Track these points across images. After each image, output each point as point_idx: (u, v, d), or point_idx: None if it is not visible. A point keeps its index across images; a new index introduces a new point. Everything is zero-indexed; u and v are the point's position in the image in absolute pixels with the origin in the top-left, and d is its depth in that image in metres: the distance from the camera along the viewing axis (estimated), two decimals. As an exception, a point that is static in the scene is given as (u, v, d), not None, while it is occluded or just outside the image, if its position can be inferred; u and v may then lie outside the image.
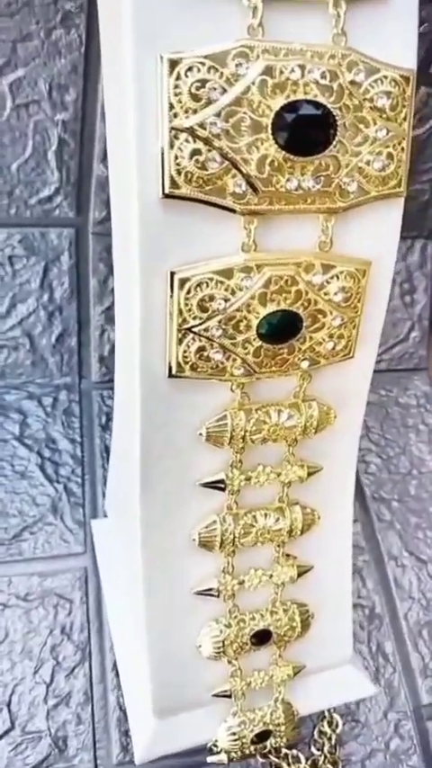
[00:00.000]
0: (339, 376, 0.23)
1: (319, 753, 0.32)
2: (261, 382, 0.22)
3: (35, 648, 0.33)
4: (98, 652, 0.33)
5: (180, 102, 0.17)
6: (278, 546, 0.25)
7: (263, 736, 0.26)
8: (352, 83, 0.18)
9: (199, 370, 0.20)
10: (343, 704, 0.34)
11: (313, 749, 0.33)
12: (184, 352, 0.20)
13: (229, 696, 0.26)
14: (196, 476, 0.23)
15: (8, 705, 0.31)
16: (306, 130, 0.18)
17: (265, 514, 0.24)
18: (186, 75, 0.17)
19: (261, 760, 0.31)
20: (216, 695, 0.26)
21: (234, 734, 0.26)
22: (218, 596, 0.25)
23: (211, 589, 0.24)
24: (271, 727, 0.26)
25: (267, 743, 0.27)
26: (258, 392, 0.22)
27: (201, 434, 0.22)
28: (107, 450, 0.39)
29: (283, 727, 0.27)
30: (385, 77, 0.19)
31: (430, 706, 0.35)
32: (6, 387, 0.41)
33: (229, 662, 0.26)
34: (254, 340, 0.20)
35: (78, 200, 0.35)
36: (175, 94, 0.17)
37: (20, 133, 0.31)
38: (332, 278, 0.20)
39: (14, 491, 0.37)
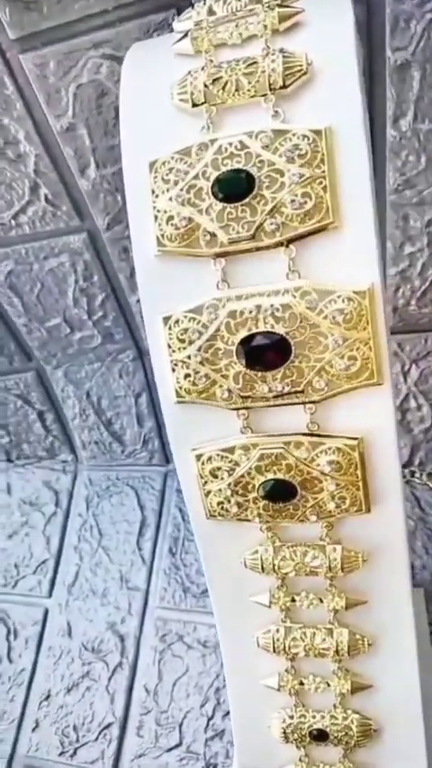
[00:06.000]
0: (364, 527, 0.26)
1: None
2: (292, 524, 0.27)
3: (204, 687, 0.42)
4: (250, 703, 0.40)
5: (174, 343, 0.24)
6: (335, 662, 0.29)
7: None
8: (307, 308, 0.22)
9: (225, 516, 0.27)
10: None
11: None
12: (210, 503, 0.26)
13: (295, 778, 0.30)
14: (250, 592, 0.29)
15: (180, 726, 0.41)
16: (261, 355, 0.23)
17: (314, 633, 0.28)
18: (175, 326, 0.24)
19: None
20: (283, 773, 0.30)
21: None
22: (279, 691, 0.30)
23: (275, 684, 0.30)
24: None
25: None
26: (289, 533, 0.27)
27: (241, 562, 0.28)
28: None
29: None
30: (339, 297, 0.22)
31: None
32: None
33: (297, 747, 0.30)
34: (261, 498, 0.25)
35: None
36: (170, 338, 0.24)
37: None
38: (321, 452, 0.24)
39: (214, 553, 0.47)
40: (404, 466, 0.45)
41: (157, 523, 0.50)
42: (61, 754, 0.43)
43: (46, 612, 0.48)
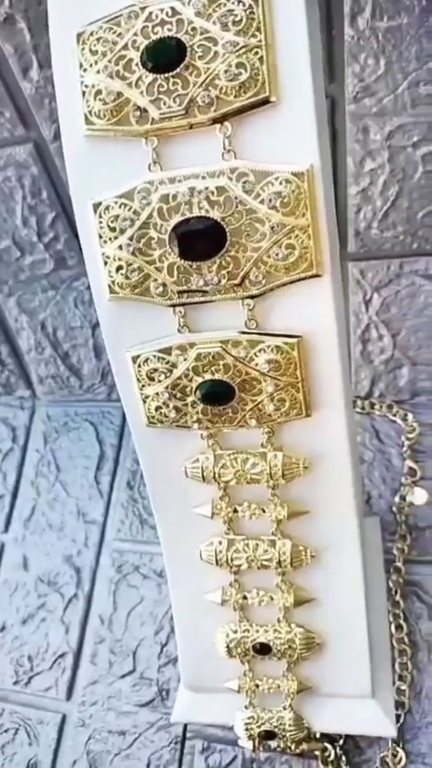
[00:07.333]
0: (305, 433, 0.25)
1: (378, 780, 0.34)
2: (234, 432, 0.26)
3: (159, 615, 0.41)
4: (204, 630, 0.40)
5: (105, 232, 0.23)
6: (279, 574, 0.28)
7: (269, 735, 0.30)
8: (244, 192, 0.21)
9: (164, 422, 0.26)
10: (416, 744, 0.34)
11: (374, 775, 0.34)
12: (149, 409, 0.25)
13: (238, 691, 0.30)
14: (193, 504, 0.28)
15: (134, 653, 0.41)
16: (195, 242, 0.22)
17: (257, 544, 0.28)
18: (106, 213, 0.22)
19: (322, 766, 0.34)
20: (227, 687, 0.30)
21: (245, 725, 0.30)
22: (223, 605, 0.29)
23: (218, 599, 0.29)
24: (276, 730, 0.30)
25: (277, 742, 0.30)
26: (230, 440, 0.26)
27: (182, 471, 0.27)
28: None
29: (289, 734, 0.30)
30: (276, 179, 0.21)
31: None
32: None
33: (241, 662, 0.30)
34: (199, 401, 0.25)
35: None
36: (100, 227, 0.23)
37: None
38: (259, 351, 0.23)
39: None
40: (364, 398, 0.45)
41: (115, 458, 0.49)
42: (16, 683, 0.42)
43: (2, 547, 0.48)
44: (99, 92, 0.21)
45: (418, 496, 0.40)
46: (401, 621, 0.37)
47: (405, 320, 0.42)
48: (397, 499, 0.41)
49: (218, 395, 0.24)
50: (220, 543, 0.28)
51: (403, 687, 0.35)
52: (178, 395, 0.25)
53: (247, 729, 0.30)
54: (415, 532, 0.39)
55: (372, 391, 0.45)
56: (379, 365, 0.44)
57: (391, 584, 0.38)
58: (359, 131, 0.34)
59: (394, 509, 0.40)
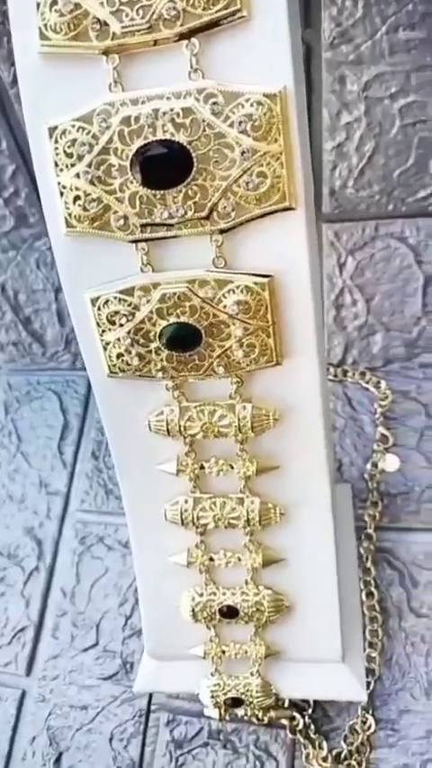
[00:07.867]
0: (275, 382, 0.24)
1: (347, 748, 0.33)
2: (201, 383, 0.24)
3: (124, 587, 0.40)
4: (171, 602, 0.39)
5: (61, 159, 0.21)
6: (247, 534, 0.27)
7: (236, 703, 0.29)
8: (212, 114, 0.20)
9: (126, 371, 0.24)
10: (385, 710, 0.33)
11: (343, 743, 0.33)
12: (110, 357, 0.24)
13: (204, 657, 0.29)
14: (158, 461, 0.27)
15: (97, 626, 0.39)
16: (157, 168, 0.20)
17: (224, 502, 0.27)
18: (62, 137, 0.21)
19: (290, 735, 0.33)
20: (192, 654, 0.29)
21: (210, 693, 0.29)
22: (188, 568, 0.28)
23: (184, 561, 0.28)
24: (243, 697, 0.29)
25: (243, 710, 0.29)
26: (197, 391, 0.25)
27: (146, 426, 0.25)
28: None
29: (256, 701, 0.29)
30: (247, 100, 0.19)
31: None
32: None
33: (207, 627, 0.29)
34: (163, 347, 0.23)
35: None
36: (56, 153, 0.21)
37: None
38: (228, 292, 0.22)
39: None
40: (337, 365, 0.44)
41: (80, 428, 0.47)
42: (-27, 659, 0.41)
43: (-40, 520, 0.46)
44: (55, 2, 0.20)
45: (390, 463, 0.39)
46: (372, 588, 0.36)
47: (379, 285, 0.41)
48: (368, 466, 0.40)
49: (183, 339, 0.23)
50: (186, 502, 0.27)
51: (373, 654, 0.34)
52: (141, 340, 0.23)
53: (212, 697, 0.29)
54: (386, 499, 0.39)
55: (345, 358, 0.44)
56: (352, 331, 0.43)
57: (362, 551, 0.37)
58: (335, 81, 0.33)
59: (366, 476, 0.40)
